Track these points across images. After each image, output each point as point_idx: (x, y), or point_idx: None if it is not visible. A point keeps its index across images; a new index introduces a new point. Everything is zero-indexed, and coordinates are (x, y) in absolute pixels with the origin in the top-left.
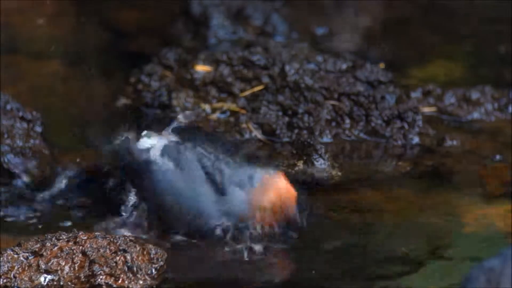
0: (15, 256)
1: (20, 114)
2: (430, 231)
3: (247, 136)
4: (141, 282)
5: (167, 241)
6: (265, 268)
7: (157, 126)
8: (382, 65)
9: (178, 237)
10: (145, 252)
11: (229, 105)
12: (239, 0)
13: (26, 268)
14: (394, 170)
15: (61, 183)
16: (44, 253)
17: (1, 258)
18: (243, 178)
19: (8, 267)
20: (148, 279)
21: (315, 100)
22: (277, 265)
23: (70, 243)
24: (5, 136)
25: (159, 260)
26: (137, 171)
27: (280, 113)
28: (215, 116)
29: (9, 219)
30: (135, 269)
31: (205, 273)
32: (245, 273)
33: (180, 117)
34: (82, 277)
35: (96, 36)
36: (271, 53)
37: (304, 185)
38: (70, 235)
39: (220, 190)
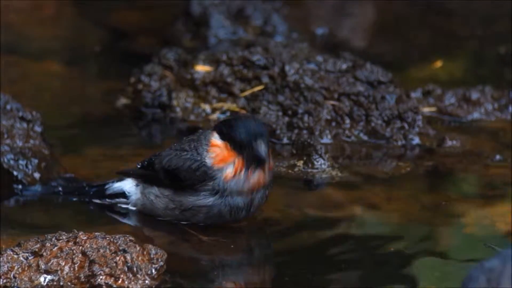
0: (15, 256)
1: (20, 114)
2: (430, 231)
3: None
4: (141, 282)
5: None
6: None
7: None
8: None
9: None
10: (145, 252)
11: (229, 105)
12: (239, 0)
13: (26, 268)
14: (394, 170)
15: (61, 182)
16: (44, 253)
17: (1, 258)
18: None
19: (8, 267)
20: (148, 279)
21: (315, 100)
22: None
23: (70, 243)
24: (5, 136)
25: (159, 260)
26: None
27: (280, 113)
28: (215, 116)
29: (9, 219)
30: (135, 269)
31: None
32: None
33: None
34: (82, 277)
35: (96, 36)
36: (271, 53)
37: (304, 184)
38: (70, 235)
39: None
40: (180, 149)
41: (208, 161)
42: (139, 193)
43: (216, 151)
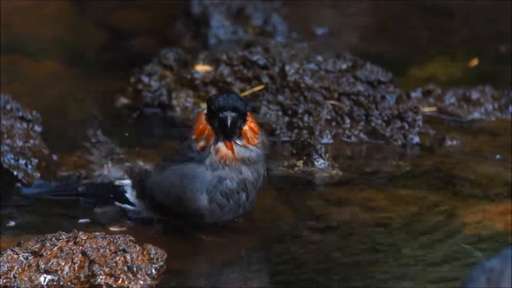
0: (15, 256)
1: (20, 114)
2: (430, 231)
3: None
4: (141, 282)
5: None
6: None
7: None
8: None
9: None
10: (145, 252)
11: None
12: (239, 0)
13: (26, 268)
14: (394, 170)
15: (60, 182)
16: (44, 253)
17: (1, 258)
18: None
19: (8, 267)
20: (148, 279)
21: (315, 100)
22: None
23: (70, 243)
24: (5, 136)
25: (159, 260)
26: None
27: (280, 113)
28: None
29: (9, 219)
30: (135, 269)
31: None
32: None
33: None
34: (82, 277)
35: (96, 36)
36: (271, 53)
37: (304, 184)
38: (70, 235)
39: None
40: None
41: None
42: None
43: (198, 123)
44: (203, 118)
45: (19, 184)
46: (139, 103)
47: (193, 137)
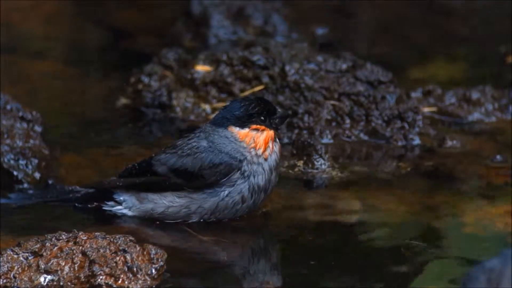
0: (15, 256)
1: (20, 114)
2: (430, 231)
3: None
4: (141, 282)
5: None
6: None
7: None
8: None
9: None
10: (145, 252)
11: None
12: (239, 0)
13: (26, 268)
14: (395, 170)
15: (60, 182)
16: (44, 253)
17: (1, 258)
18: None
19: (8, 267)
20: (148, 279)
21: (315, 100)
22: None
23: (70, 243)
24: (5, 136)
25: (159, 260)
26: None
27: None
28: None
29: (9, 219)
30: (135, 269)
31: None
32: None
33: None
34: (82, 277)
35: (96, 36)
36: (271, 53)
37: (304, 184)
38: (70, 235)
39: None
40: (187, 149)
41: (251, 152)
42: (135, 199)
43: (256, 137)
44: (261, 129)
45: (18, 186)
46: (139, 103)
47: (260, 152)
